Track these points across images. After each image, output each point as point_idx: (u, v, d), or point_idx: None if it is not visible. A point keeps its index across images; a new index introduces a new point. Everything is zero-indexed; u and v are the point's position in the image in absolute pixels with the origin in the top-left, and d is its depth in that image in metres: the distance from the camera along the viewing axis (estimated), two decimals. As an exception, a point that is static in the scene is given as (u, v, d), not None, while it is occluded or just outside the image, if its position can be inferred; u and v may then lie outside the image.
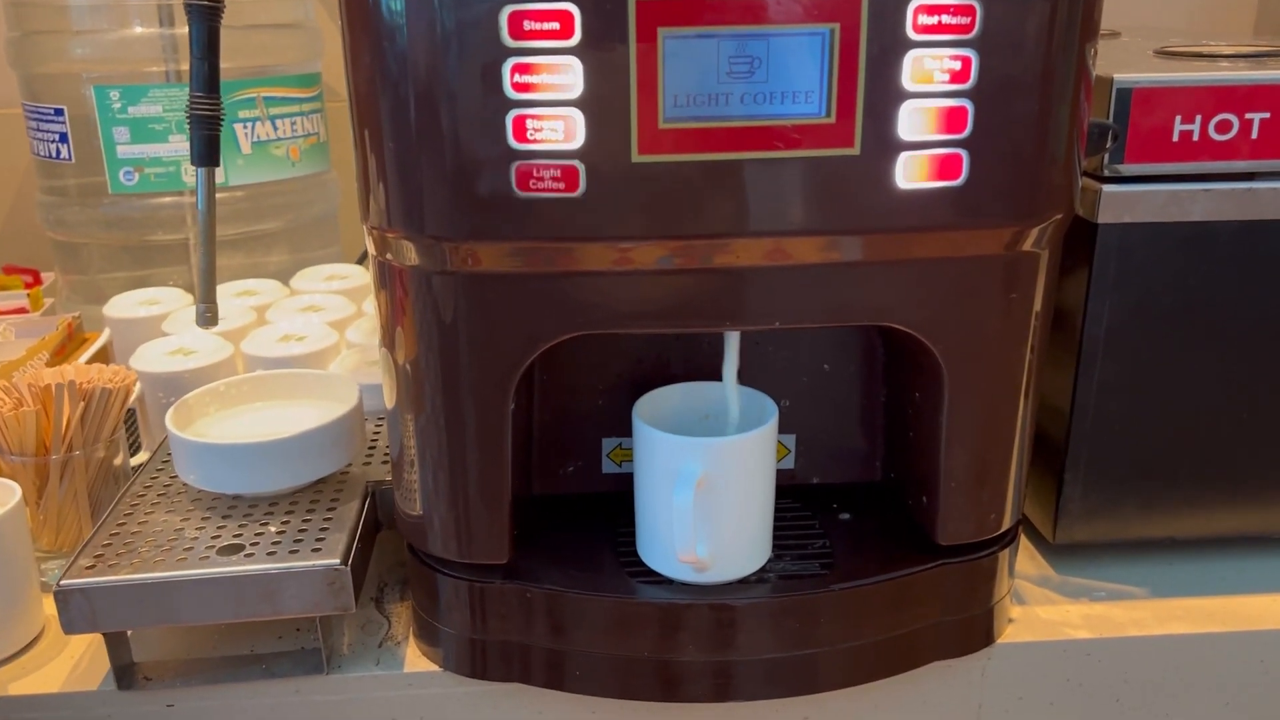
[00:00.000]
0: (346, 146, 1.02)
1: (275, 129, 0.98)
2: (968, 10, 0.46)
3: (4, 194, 1.20)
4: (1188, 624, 0.63)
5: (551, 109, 0.47)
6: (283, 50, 0.99)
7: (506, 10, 0.45)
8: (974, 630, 0.61)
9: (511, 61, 0.46)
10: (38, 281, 1.09)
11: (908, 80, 0.47)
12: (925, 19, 0.46)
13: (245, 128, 0.96)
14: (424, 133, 0.48)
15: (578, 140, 0.47)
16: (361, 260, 1.10)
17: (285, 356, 0.78)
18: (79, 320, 0.91)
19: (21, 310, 1.01)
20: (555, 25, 0.45)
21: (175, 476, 0.66)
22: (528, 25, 0.45)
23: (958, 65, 0.47)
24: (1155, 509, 0.68)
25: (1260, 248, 0.62)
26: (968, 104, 0.48)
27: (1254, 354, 0.64)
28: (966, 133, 0.48)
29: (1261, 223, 0.61)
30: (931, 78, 0.47)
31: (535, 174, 0.48)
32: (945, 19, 0.46)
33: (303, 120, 1.00)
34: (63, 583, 0.56)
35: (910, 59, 0.47)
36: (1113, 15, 1.21)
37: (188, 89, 0.60)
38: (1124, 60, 0.67)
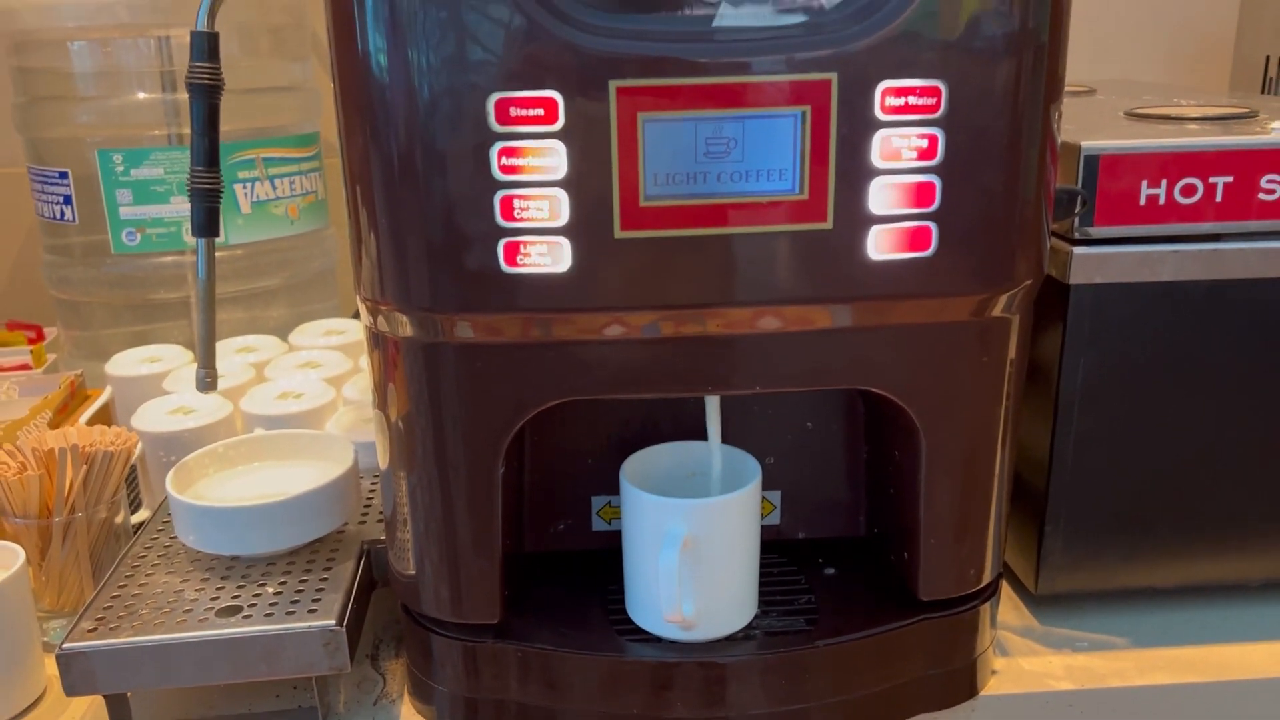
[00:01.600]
0: (344, 203, 1.04)
1: (274, 188, 1.00)
2: (933, 92, 0.48)
3: (8, 251, 1.22)
4: (1169, 674, 0.65)
5: (537, 189, 0.49)
6: (281, 112, 1.02)
7: (494, 97, 0.47)
8: (958, 683, 0.62)
9: (499, 145, 0.48)
10: (40, 337, 1.11)
11: (877, 158, 0.49)
12: (893, 100, 0.48)
13: (245, 188, 0.98)
14: (415, 211, 0.50)
15: (563, 218, 0.49)
16: (357, 314, 1.12)
17: (283, 415, 0.79)
18: (81, 378, 0.93)
19: (24, 366, 1.03)
20: (540, 111, 0.47)
21: (175, 537, 0.67)
22: (514, 111, 0.48)
23: (925, 143, 0.49)
24: (1135, 559, 0.69)
25: (1228, 305, 0.64)
26: (935, 179, 0.50)
27: (1226, 407, 0.66)
28: (935, 206, 0.50)
29: (1228, 281, 0.63)
30: (900, 155, 0.49)
31: (522, 250, 0.50)
32: (912, 100, 0.48)
33: (301, 179, 1.03)
34: (65, 646, 0.57)
35: (879, 138, 0.49)
36: (1093, 67, 1.25)
37: (189, 158, 0.62)
38: (1094, 123, 0.70)
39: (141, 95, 0.96)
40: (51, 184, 0.98)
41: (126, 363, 0.93)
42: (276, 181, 1.00)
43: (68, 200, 0.97)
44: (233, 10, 0.62)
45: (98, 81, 0.96)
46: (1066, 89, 0.93)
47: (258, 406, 0.81)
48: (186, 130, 0.96)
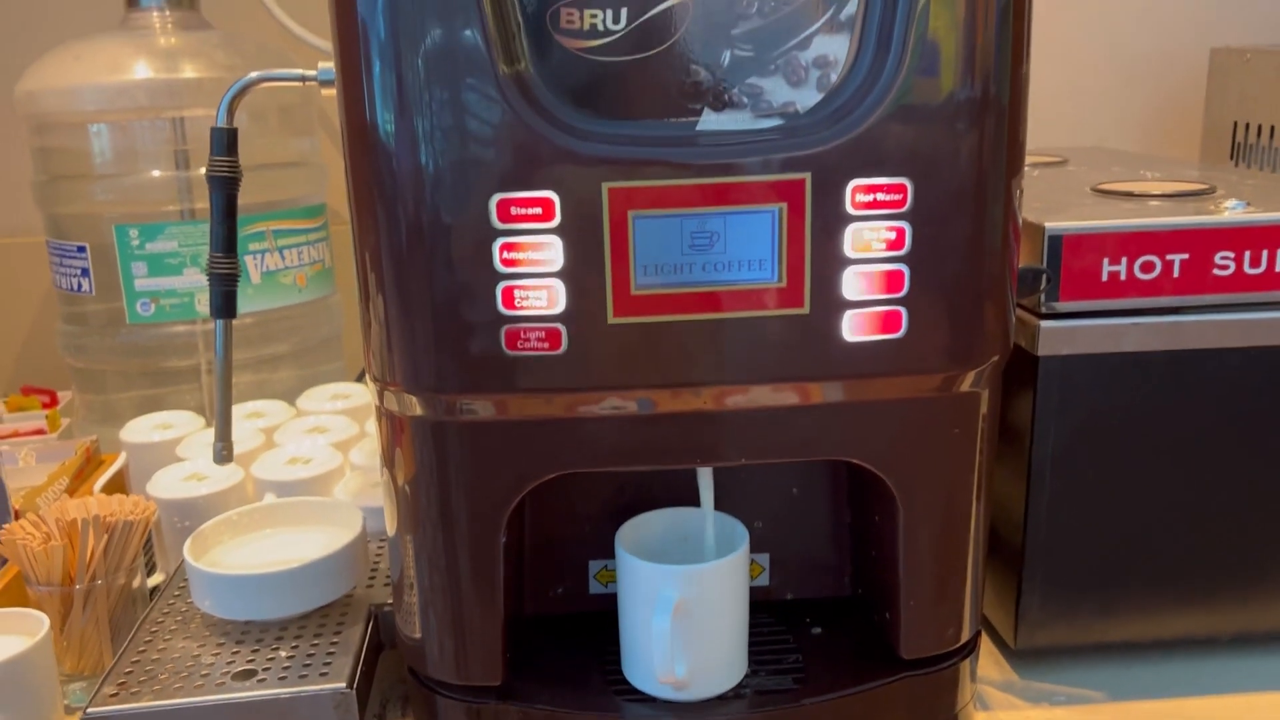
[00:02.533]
0: (349, 269, 1.09)
1: (283, 258, 1.05)
2: (900, 189, 0.53)
3: (23, 318, 1.26)
4: (1142, 727, 0.68)
5: (536, 280, 0.53)
6: (290, 186, 1.06)
7: (496, 198, 0.51)
8: (940, 737, 0.65)
9: (500, 240, 0.52)
10: (54, 402, 1.15)
11: (849, 249, 0.53)
12: (862, 197, 0.52)
13: (255, 259, 1.02)
14: (423, 300, 0.54)
15: (559, 306, 0.53)
16: (361, 377, 1.16)
17: (293, 480, 0.83)
18: (96, 444, 0.97)
19: (39, 431, 1.06)
20: (538, 210, 0.52)
21: (191, 603, 0.70)
22: (514, 210, 0.52)
23: (893, 235, 0.53)
24: (1109, 615, 0.72)
25: (1188, 374, 0.68)
26: (904, 267, 0.54)
27: (1191, 470, 0.69)
28: (904, 292, 0.54)
29: (1188, 351, 0.67)
30: (870, 246, 0.53)
31: (522, 335, 0.54)
32: (880, 196, 0.53)
33: (309, 249, 1.07)
34: (90, 711, 0.60)
35: (850, 231, 0.53)
36: (1071, 132, 1.30)
37: (208, 242, 0.66)
38: (1060, 200, 0.74)
39: (156, 173, 1.00)
40: (70, 257, 1.02)
41: (140, 429, 0.96)
42: (285, 252, 1.04)
43: (85, 272, 1.02)
44: (246, 95, 0.66)
45: (115, 160, 1.00)
46: (1039, 159, 0.98)
47: (268, 472, 0.84)
48: (199, 206, 1.01)
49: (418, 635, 0.62)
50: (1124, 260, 0.66)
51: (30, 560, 0.69)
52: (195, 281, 1.00)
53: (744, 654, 0.63)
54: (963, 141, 0.53)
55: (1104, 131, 1.31)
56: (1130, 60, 1.30)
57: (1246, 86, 1.15)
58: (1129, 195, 0.75)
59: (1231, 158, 1.18)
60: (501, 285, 0.53)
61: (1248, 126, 1.15)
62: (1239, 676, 0.72)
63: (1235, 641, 0.75)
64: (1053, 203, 0.73)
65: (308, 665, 0.63)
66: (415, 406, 0.57)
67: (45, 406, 1.13)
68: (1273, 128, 1.10)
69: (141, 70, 0.98)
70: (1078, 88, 1.30)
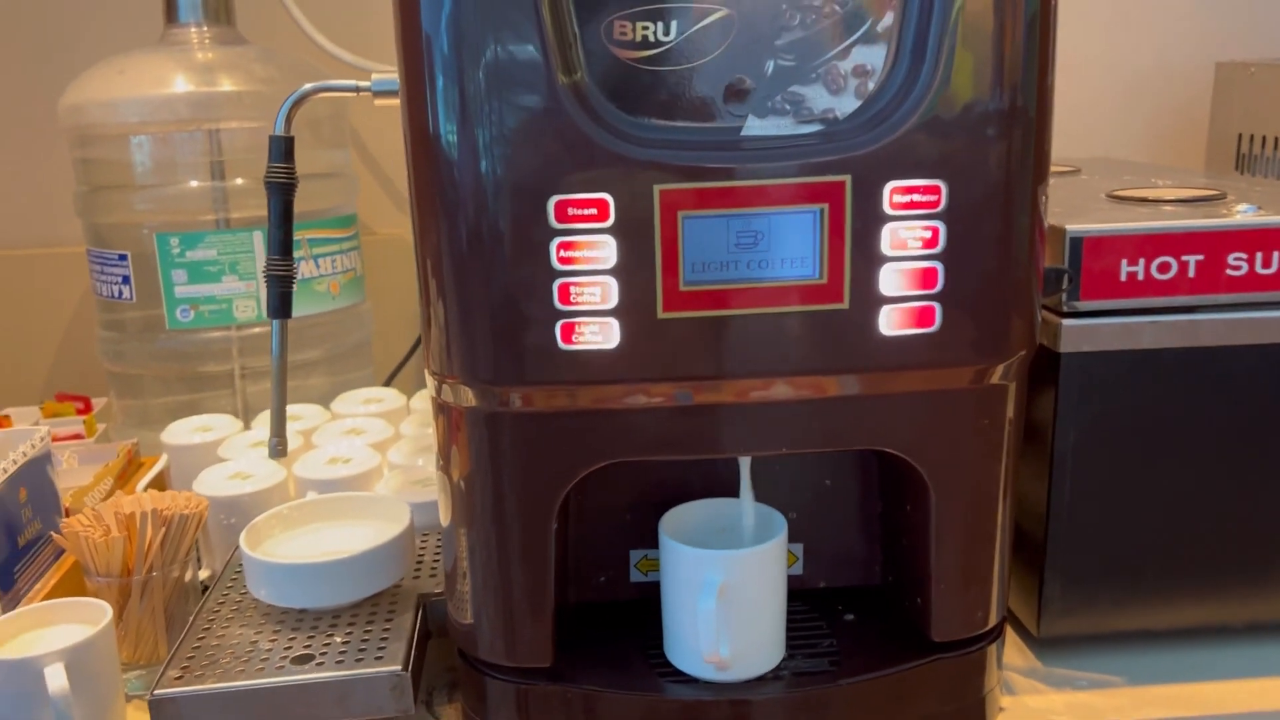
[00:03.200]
0: (380, 278, 1.12)
1: (318, 267, 1.08)
2: (934, 190, 0.56)
3: (58, 326, 1.29)
4: (1161, 709, 0.70)
5: (590, 277, 0.56)
6: (325, 197, 1.09)
7: (553, 200, 0.55)
8: (968, 719, 0.68)
9: (557, 240, 0.55)
10: (88, 408, 1.17)
11: (886, 247, 0.56)
12: (899, 198, 0.56)
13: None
14: (482, 296, 0.57)
15: (612, 302, 0.56)
16: (389, 381, 1.19)
17: (334, 479, 0.85)
18: (136, 446, 0.99)
19: (77, 436, 1.09)
20: (594, 211, 0.55)
21: (244, 593, 0.73)
22: (571, 211, 0.55)
23: (929, 234, 0.56)
24: (1128, 604, 0.75)
25: (1203, 370, 0.71)
26: (938, 265, 0.57)
27: (1206, 463, 0.72)
28: (938, 289, 0.57)
29: (1202, 348, 0.70)
30: (906, 245, 0.56)
31: (577, 330, 0.57)
32: (916, 197, 0.56)
33: (341, 257, 1.10)
34: (156, 692, 0.63)
35: (888, 230, 0.56)
36: (1079, 145, 1.33)
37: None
38: (1079, 206, 0.77)
39: (194, 183, 1.03)
40: (111, 265, 1.05)
41: (181, 432, 0.99)
42: (320, 260, 1.08)
43: (126, 280, 1.04)
44: (304, 104, 0.69)
45: (155, 171, 1.03)
46: (1054, 169, 1.01)
47: (310, 471, 0.87)
48: (234, 215, 1.04)
49: (470, 620, 0.65)
50: (1141, 261, 0.69)
51: (91, 552, 0.72)
52: (233, 288, 1.03)
53: (782, 637, 0.66)
54: (993, 146, 0.56)
55: (1111, 144, 1.35)
56: (1137, 74, 1.33)
57: (1251, 99, 1.19)
58: (1144, 201, 0.78)
59: (1236, 168, 1.21)
60: (558, 282, 0.56)
61: (1252, 138, 1.18)
62: (1251, 663, 0.75)
63: (1248, 630, 0.77)
64: (1071, 208, 0.76)
65: (363, 650, 0.66)
66: (471, 398, 0.60)
67: (80, 413, 1.15)
68: (1277, 139, 1.14)
69: (181, 84, 1.01)
70: (1085, 101, 1.33)
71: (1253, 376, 0.71)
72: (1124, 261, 0.69)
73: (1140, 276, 0.69)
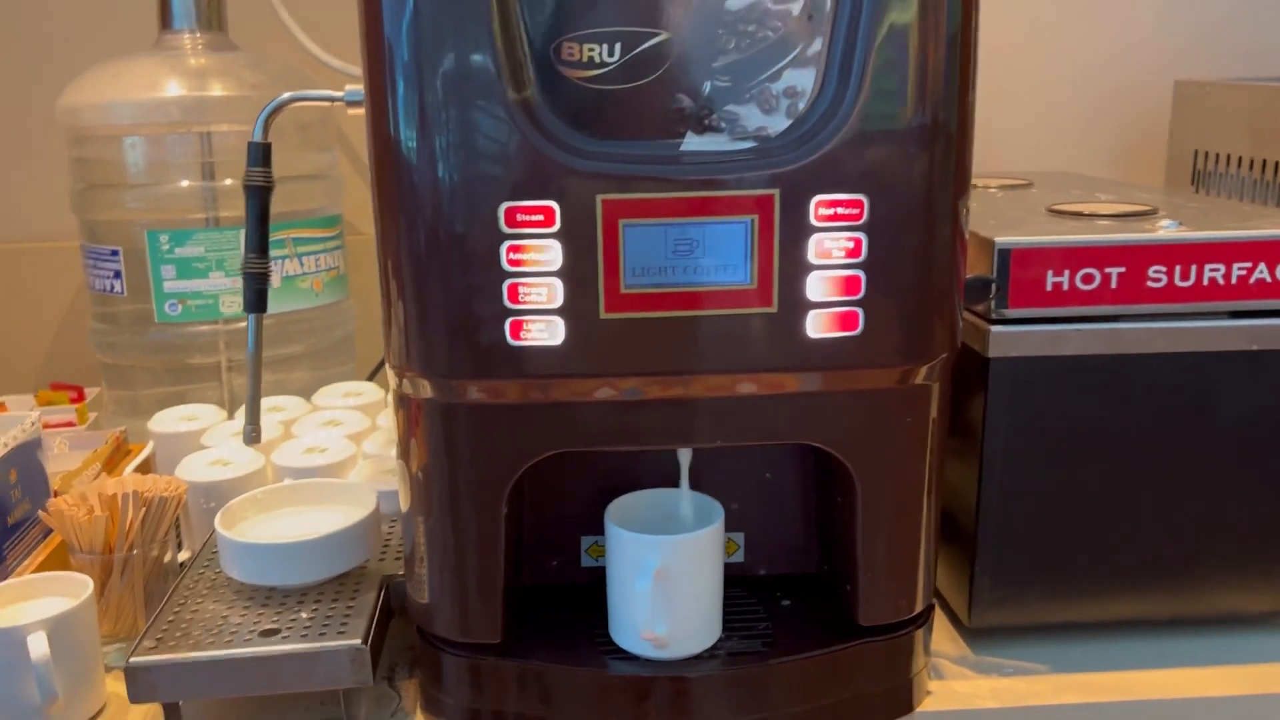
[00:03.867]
0: (362, 276, 1.16)
1: (301, 265, 1.12)
2: (857, 204, 0.60)
3: (53, 318, 1.33)
4: (1080, 695, 0.74)
5: (538, 279, 0.60)
6: (309, 197, 1.14)
7: (503, 206, 0.59)
8: (896, 700, 0.72)
9: (507, 243, 0.60)
10: (81, 397, 1.22)
11: (812, 256, 0.60)
12: (824, 210, 0.60)
13: (275, 265, 1.10)
14: (438, 295, 0.61)
15: (558, 302, 0.60)
16: (372, 377, 1.23)
17: (310, 467, 0.90)
18: (125, 434, 1.04)
19: (69, 424, 1.13)
20: (541, 217, 0.59)
21: (219, 572, 0.77)
22: (520, 217, 0.59)
23: (851, 244, 0.61)
24: (1055, 597, 0.79)
25: (1126, 376, 0.75)
26: (861, 273, 0.61)
27: (1128, 465, 0.76)
28: (861, 295, 0.61)
29: (1125, 355, 0.74)
30: (831, 254, 0.61)
31: (525, 327, 0.61)
32: (840, 210, 0.60)
33: (325, 256, 1.14)
34: (132, 660, 0.67)
35: (814, 240, 0.60)
36: (1045, 159, 1.37)
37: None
38: (1017, 218, 0.82)
39: (185, 183, 1.08)
40: (104, 260, 1.09)
41: (167, 420, 1.03)
42: (304, 259, 1.12)
43: (118, 275, 1.09)
44: (280, 113, 0.73)
45: (147, 171, 1.08)
46: (1006, 182, 1.06)
47: (287, 460, 0.91)
48: (224, 214, 1.09)
49: (427, 599, 0.69)
50: (1066, 272, 0.73)
51: (75, 530, 0.76)
52: (220, 284, 1.08)
53: (719, 619, 0.70)
54: (915, 162, 0.61)
55: (1075, 159, 1.39)
56: (1099, 92, 1.38)
57: (1206, 117, 1.23)
58: (1079, 215, 0.82)
59: (1192, 184, 1.25)
60: (508, 282, 0.60)
61: (1207, 155, 1.23)
62: (1173, 654, 0.79)
63: (1170, 624, 0.81)
64: (1008, 220, 0.80)
65: (326, 625, 0.70)
66: (428, 390, 0.64)
67: (73, 401, 1.20)
68: (1229, 156, 1.18)
69: (174, 88, 1.06)
70: (1049, 118, 1.38)
71: (1173, 383, 0.75)
72: (1049, 272, 0.73)
73: (1065, 287, 0.73)
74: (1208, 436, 0.76)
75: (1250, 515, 0.78)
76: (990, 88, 1.35)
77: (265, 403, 1.07)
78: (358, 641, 0.68)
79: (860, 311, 0.62)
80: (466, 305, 0.61)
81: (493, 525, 0.66)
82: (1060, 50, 1.36)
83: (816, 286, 0.61)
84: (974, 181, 1.03)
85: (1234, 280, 0.74)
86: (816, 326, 0.62)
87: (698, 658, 0.69)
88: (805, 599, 0.76)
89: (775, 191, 0.59)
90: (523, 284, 0.60)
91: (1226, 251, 0.73)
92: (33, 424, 0.87)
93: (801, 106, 0.60)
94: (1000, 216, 0.82)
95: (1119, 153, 1.39)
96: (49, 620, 0.69)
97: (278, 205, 1.09)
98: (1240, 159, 1.16)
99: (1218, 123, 1.21)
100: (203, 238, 1.07)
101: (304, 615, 0.72)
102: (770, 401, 0.64)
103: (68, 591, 0.73)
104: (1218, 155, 1.20)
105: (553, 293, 0.60)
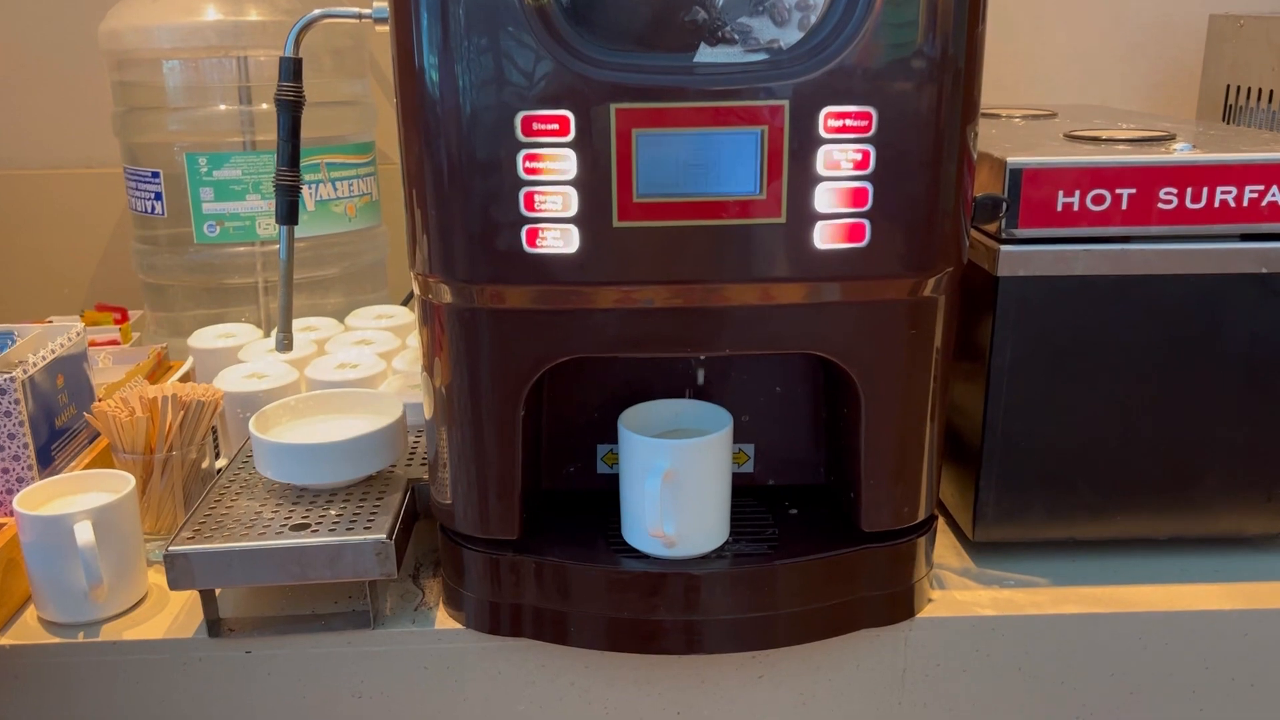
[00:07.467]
0: (395, 204, 1.19)
1: (335, 189, 1.15)
2: (865, 115, 0.62)
3: (99, 242, 1.38)
4: (1077, 606, 0.77)
5: (553, 187, 0.62)
6: (343, 123, 1.16)
7: (519, 115, 0.61)
8: (897, 604, 0.75)
9: (523, 152, 0.62)
10: (125, 318, 1.26)
11: (821, 168, 0.62)
12: (833, 122, 0.61)
13: (310, 189, 1.13)
14: (458, 203, 0.64)
15: (572, 210, 0.63)
16: (405, 302, 1.27)
17: (342, 381, 0.93)
18: (165, 350, 1.08)
19: (114, 342, 1.18)
20: (556, 126, 0.61)
21: (254, 474, 0.81)
22: (536, 126, 0.61)
23: (859, 156, 0.62)
24: (1058, 513, 0.81)
25: (1132, 296, 0.76)
26: (868, 185, 0.63)
27: (1134, 384, 0.78)
28: (868, 206, 0.63)
29: (1132, 276, 0.76)
30: (839, 166, 0.62)
31: (540, 235, 0.63)
32: (849, 122, 0.62)
33: (358, 182, 1.17)
34: (171, 549, 0.71)
35: (822, 152, 0.62)
36: (1078, 93, 1.37)
37: (275, 160, 0.76)
38: (1031, 142, 0.82)
39: (223, 107, 1.11)
40: (144, 182, 1.13)
41: (206, 337, 1.07)
42: (337, 184, 1.15)
43: (158, 196, 1.13)
44: (311, 29, 0.75)
45: (186, 94, 1.11)
46: (1031, 112, 1.06)
47: (320, 374, 0.95)
48: (260, 137, 1.11)
49: (449, 499, 0.73)
50: (1077, 193, 0.74)
51: (117, 429, 0.80)
52: (256, 206, 1.11)
53: (725, 522, 0.73)
54: (922, 77, 0.62)
55: (1109, 95, 1.38)
56: (1137, 27, 1.37)
57: (1239, 51, 1.22)
58: (1095, 140, 0.83)
59: (1224, 118, 1.25)
60: (523, 191, 0.63)
61: (1239, 89, 1.22)
62: (1171, 571, 0.81)
63: (1170, 542, 0.83)
64: (1024, 144, 0.81)
65: (354, 522, 0.74)
66: (449, 296, 0.67)
67: (117, 322, 1.24)
68: (1260, 90, 1.17)
69: (211, 13, 1.08)
70: (1084, 52, 1.37)
71: (1179, 304, 0.76)
72: (1060, 193, 0.74)
73: (1076, 207, 0.75)
74: (1213, 358, 0.77)
75: (1253, 437, 0.79)
76: (1025, 24, 1.35)
77: (299, 323, 1.11)
78: (383, 536, 0.72)
79: (867, 223, 0.63)
80: (484, 212, 0.63)
81: (510, 427, 0.69)
82: (1096, -17, 1.35)
83: (824, 197, 0.63)
84: (998, 112, 1.04)
85: (1245, 203, 0.74)
86: (824, 237, 0.63)
87: (705, 557, 0.72)
88: (812, 508, 0.78)
89: (785, 103, 0.61)
90: (538, 192, 0.63)
91: (1239, 174, 0.74)
92: (78, 334, 0.91)
93: (813, 19, 0.62)
94: (1016, 141, 0.83)
95: (1154, 89, 1.38)
96: (94, 510, 0.73)
97: (312, 130, 1.13)
98: (1271, 93, 1.15)
99: (1250, 56, 1.20)
100: (240, 161, 1.10)
101: (333, 513, 0.75)
102: (778, 311, 0.66)
103: (112, 487, 0.78)
104: (1249, 90, 1.19)
105: (567, 201, 0.63)
